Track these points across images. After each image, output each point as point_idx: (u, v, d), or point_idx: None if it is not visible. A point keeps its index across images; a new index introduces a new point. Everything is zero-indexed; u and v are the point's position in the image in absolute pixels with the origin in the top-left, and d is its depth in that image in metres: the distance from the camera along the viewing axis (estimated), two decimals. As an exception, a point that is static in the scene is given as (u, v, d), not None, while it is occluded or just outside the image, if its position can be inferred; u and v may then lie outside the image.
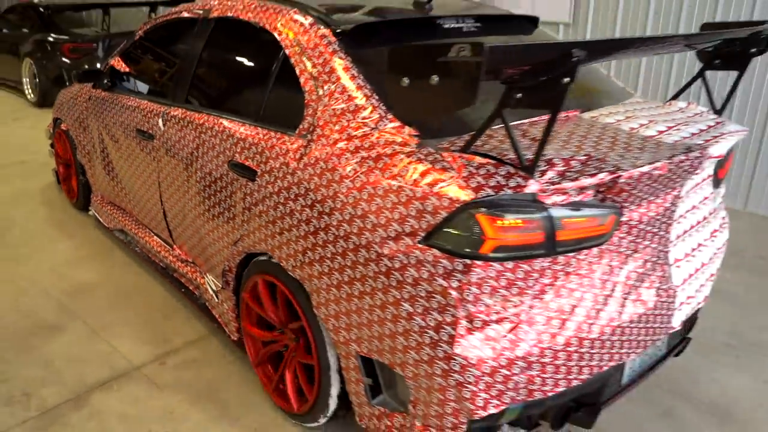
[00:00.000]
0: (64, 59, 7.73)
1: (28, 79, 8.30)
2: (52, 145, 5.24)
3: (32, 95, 8.30)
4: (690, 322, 2.85)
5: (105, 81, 4.05)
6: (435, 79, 2.19)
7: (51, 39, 7.87)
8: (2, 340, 3.10)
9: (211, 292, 3.13)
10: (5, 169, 5.64)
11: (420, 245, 1.92)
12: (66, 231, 4.41)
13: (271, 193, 2.43)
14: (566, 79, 1.71)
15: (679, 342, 2.79)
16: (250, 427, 2.59)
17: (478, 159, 1.94)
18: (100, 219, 4.45)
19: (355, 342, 2.17)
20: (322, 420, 2.49)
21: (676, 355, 2.83)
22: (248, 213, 2.58)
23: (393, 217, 1.98)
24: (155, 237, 3.75)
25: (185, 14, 3.40)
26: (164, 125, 3.23)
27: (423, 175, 1.96)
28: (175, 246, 3.49)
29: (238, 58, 3.10)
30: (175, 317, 3.34)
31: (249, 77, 2.94)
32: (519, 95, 1.78)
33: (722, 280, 3.75)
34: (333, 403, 2.41)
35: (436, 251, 1.89)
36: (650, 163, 2.03)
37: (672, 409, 2.79)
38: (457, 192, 1.87)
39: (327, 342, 2.32)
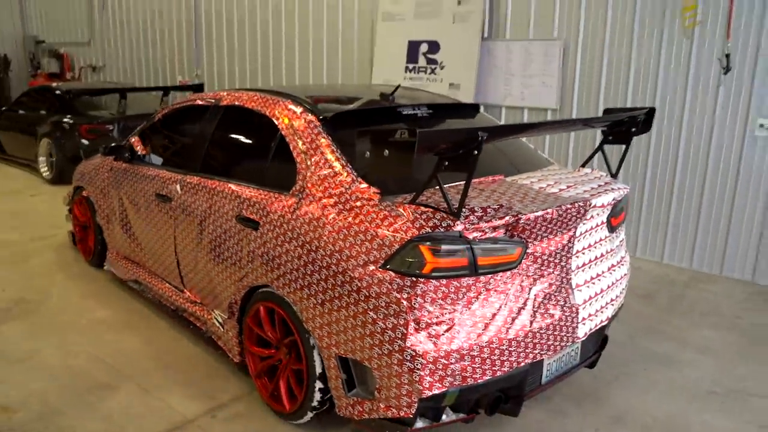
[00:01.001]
0: (81, 140, 8.51)
1: (44, 158, 9.06)
2: (70, 210, 5.98)
3: (48, 173, 9.03)
4: (601, 341, 3.63)
5: (126, 155, 4.84)
6: (386, 152, 3.01)
7: (70, 121, 8.67)
8: (62, 397, 3.57)
9: (217, 324, 3.86)
10: (33, 243, 6.29)
11: (381, 269, 2.71)
12: (100, 300, 4.93)
13: (271, 238, 3.21)
14: (475, 152, 2.54)
15: (593, 355, 3.56)
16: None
17: (421, 208, 2.76)
18: (116, 272, 5.16)
19: (335, 346, 2.91)
20: (309, 416, 3.19)
21: (590, 367, 3.61)
22: (252, 255, 3.35)
23: (362, 250, 2.78)
24: (167, 284, 4.48)
25: (199, 102, 4.26)
26: (181, 189, 4.03)
27: (383, 220, 2.77)
28: (185, 290, 4.22)
29: (244, 136, 3.94)
30: (216, 376, 3.84)
31: (252, 151, 3.78)
32: (446, 163, 2.61)
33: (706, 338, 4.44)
34: (318, 399, 3.11)
35: (392, 273, 2.67)
36: (543, 210, 2.86)
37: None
38: (405, 231, 2.68)
39: (314, 350, 3.06)
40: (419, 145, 2.39)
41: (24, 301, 4.90)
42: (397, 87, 3.95)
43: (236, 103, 3.90)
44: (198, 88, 9.31)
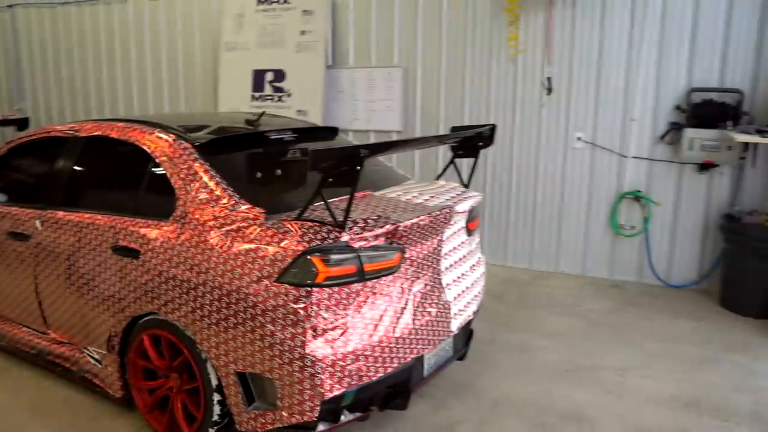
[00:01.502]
0: None
1: None
2: None
3: None
4: (468, 335, 4.00)
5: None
6: (259, 174, 3.09)
7: None
8: None
9: (93, 361, 3.74)
10: None
11: (275, 283, 2.84)
12: None
13: (155, 265, 3.22)
14: (358, 167, 2.78)
15: (462, 348, 3.91)
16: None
17: (308, 223, 2.94)
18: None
19: (233, 362, 2.99)
20: (209, 434, 3.23)
21: (461, 359, 3.96)
22: (134, 284, 3.33)
23: (254, 267, 2.90)
24: (24, 328, 4.23)
25: (54, 134, 4.12)
26: (42, 225, 3.86)
27: (272, 236, 2.92)
28: (50, 331, 4.03)
29: (112, 167, 3.88)
30: (101, 417, 3.68)
31: (123, 181, 3.74)
32: (331, 179, 2.82)
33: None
34: (218, 413, 3.15)
35: (287, 285, 2.82)
36: (417, 217, 3.16)
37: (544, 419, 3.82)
38: (296, 245, 2.84)
39: (209, 368, 3.10)
40: (312, 162, 2.59)
41: None
42: (262, 113, 4.12)
43: (99, 133, 3.84)
44: (23, 122, 8.75)
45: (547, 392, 4.00)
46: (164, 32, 8.17)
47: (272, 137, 3.79)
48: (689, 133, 5.62)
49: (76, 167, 3.91)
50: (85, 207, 3.74)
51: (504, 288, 5.88)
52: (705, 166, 5.72)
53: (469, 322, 3.86)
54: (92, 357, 3.74)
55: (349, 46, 7.05)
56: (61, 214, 3.82)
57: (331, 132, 4.37)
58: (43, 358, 4.11)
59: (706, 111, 5.58)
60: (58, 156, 4.02)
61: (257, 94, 7.31)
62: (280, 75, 7.19)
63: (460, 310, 3.62)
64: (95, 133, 3.87)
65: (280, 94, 7.17)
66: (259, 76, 7.30)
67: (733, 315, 5.34)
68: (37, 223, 3.91)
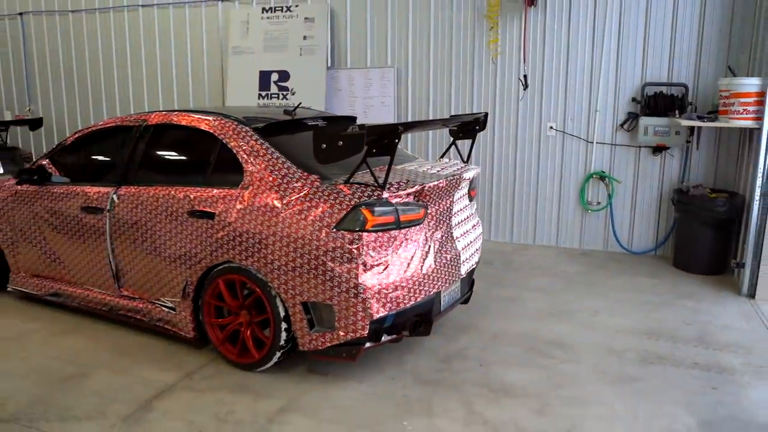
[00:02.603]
0: None
1: None
2: (-49, 244, 6.07)
3: None
4: (471, 282, 4.90)
5: (35, 177, 5.25)
6: (324, 146, 3.93)
7: None
8: (42, 389, 3.99)
9: (166, 309, 4.54)
10: None
11: (334, 230, 3.71)
12: (23, 316, 5.24)
13: (229, 223, 4.05)
14: (396, 140, 3.67)
15: (467, 292, 4.81)
16: (256, 390, 4.05)
17: (354, 185, 3.82)
18: (28, 290, 5.47)
19: (299, 295, 3.84)
20: (276, 356, 4.04)
21: (465, 302, 4.86)
22: (210, 240, 4.15)
23: (316, 219, 3.76)
24: (95, 290, 4.99)
25: (120, 124, 4.90)
26: (118, 199, 4.65)
27: (329, 195, 3.79)
28: (122, 289, 4.81)
29: (182, 148, 4.69)
30: (175, 353, 4.42)
31: (193, 159, 4.56)
32: (374, 150, 3.70)
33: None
34: (284, 339, 3.99)
35: (343, 231, 3.69)
36: (437, 181, 4.07)
37: (534, 345, 4.75)
38: (349, 200, 3.72)
39: (278, 302, 3.94)
40: (368, 136, 3.47)
41: (-62, 326, 5.08)
42: (298, 105, 4.98)
43: (167, 120, 4.65)
44: (36, 122, 9.43)
45: (535, 328, 4.94)
46: (173, 38, 8.92)
47: (309, 123, 4.65)
48: (644, 121, 6.64)
49: (147, 149, 4.71)
50: (158, 182, 4.53)
51: (492, 257, 6.82)
52: (658, 149, 6.75)
53: (472, 271, 4.77)
54: (165, 306, 4.54)
55: (346, 50, 7.92)
56: (134, 189, 4.61)
57: (351, 120, 5.24)
58: (116, 313, 4.88)
59: (658, 102, 6.61)
60: (129, 141, 4.81)
61: (263, 93, 8.13)
62: (284, 75, 8.02)
63: (466, 259, 4.53)
64: (163, 121, 4.67)
65: (284, 92, 8.00)
66: (264, 77, 8.13)
67: (684, 273, 6.37)
68: (114, 197, 4.69)
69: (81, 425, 3.62)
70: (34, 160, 5.45)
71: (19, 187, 5.37)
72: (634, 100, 6.78)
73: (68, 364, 4.38)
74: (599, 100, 6.90)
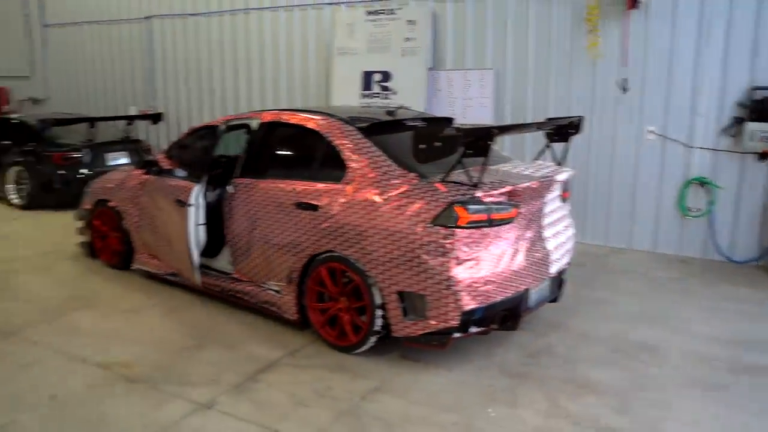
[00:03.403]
0: (55, 166, 9.17)
1: (12, 186, 9.57)
2: (87, 224, 6.78)
3: (18, 200, 9.54)
4: (560, 282, 5.02)
5: (154, 169, 5.80)
6: (423, 146, 4.20)
7: (43, 149, 9.28)
8: (164, 356, 4.48)
9: (272, 293, 4.94)
10: (46, 257, 6.98)
11: (430, 225, 3.97)
12: (145, 292, 5.81)
13: (333, 215, 4.39)
14: (490, 142, 3.88)
15: (556, 292, 4.95)
16: (352, 371, 4.41)
17: (451, 183, 4.06)
18: (150, 269, 6.06)
19: (395, 285, 4.12)
20: (372, 341, 4.35)
21: (553, 301, 4.99)
22: (314, 230, 4.50)
23: (413, 214, 4.03)
24: (210, 271, 5.48)
25: (236, 120, 5.37)
26: (234, 189, 5.10)
27: (426, 192, 4.05)
28: (234, 272, 5.26)
29: (290, 144, 5.10)
30: (279, 332, 4.84)
31: (300, 155, 4.96)
32: (470, 151, 3.92)
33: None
34: (379, 325, 4.29)
35: (439, 227, 3.95)
36: (529, 182, 4.25)
37: (621, 347, 4.88)
38: (445, 198, 3.97)
39: (374, 290, 4.24)
40: (464, 138, 3.71)
41: (78, 297, 5.72)
42: (399, 107, 5.27)
43: (278, 119, 5.06)
44: (157, 117, 10.22)
45: (623, 331, 5.01)
46: (283, 39, 9.46)
47: (409, 123, 4.93)
48: (750, 126, 6.49)
49: (259, 145, 5.14)
50: (268, 175, 4.94)
51: (584, 259, 6.87)
52: (764, 155, 6.57)
53: (562, 272, 4.91)
54: (271, 289, 4.95)
55: (447, 51, 8.15)
56: (248, 180, 5.04)
57: (448, 121, 5.48)
58: (226, 293, 5.35)
59: (766, 106, 6.44)
60: (243, 137, 5.26)
61: (366, 93, 8.50)
62: (386, 76, 8.35)
63: (557, 259, 4.67)
64: (274, 119, 5.09)
65: (386, 92, 8.33)
66: (367, 77, 8.49)
67: (786, 284, 6.19)
68: (230, 188, 5.14)
69: (196, 390, 4.06)
70: (157, 151, 6.00)
71: (145, 176, 5.95)
72: (739, 104, 6.62)
73: (185, 337, 4.88)
74: (702, 104, 6.79)
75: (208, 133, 5.60)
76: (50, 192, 9.28)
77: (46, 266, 6.69)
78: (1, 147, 9.79)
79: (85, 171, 9.12)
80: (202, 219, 5.29)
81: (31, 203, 9.38)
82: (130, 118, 10.07)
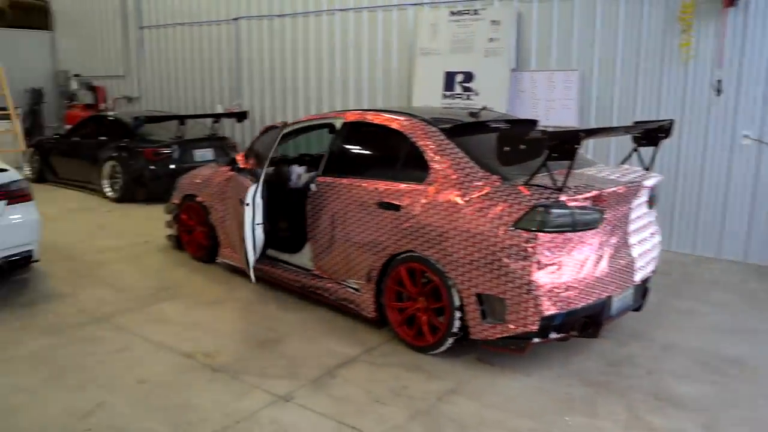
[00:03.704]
0: (146, 161, 9.64)
1: (107, 180, 10.09)
2: (174, 217, 7.06)
3: (111, 193, 10.06)
4: (644, 291, 4.86)
5: (235, 167, 5.95)
6: (507, 148, 4.16)
7: (135, 145, 9.76)
8: (244, 347, 4.63)
9: (351, 290, 5.01)
10: (136, 247, 7.35)
11: (512, 228, 3.93)
12: (228, 285, 5.98)
13: (414, 216, 4.41)
14: (577, 146, 3.80)
15: (640, 300, 4.80)
16: (428, 371, 4.44)
17: (535, 186, 4.01)
18: (233, 263, 6.25)
19: (474, 287, 4.10)
20: (449, 342, 4.35)
21: (637, 309, 4.84)
22: (395, 230, 4.54)
23: (495, 217, 4.00)
24: (291, 267, 5.60)
25: (321, 120, 5.46)
26: (316, 188, 5.20)
27: (509, 195, 4.01)
28: (314, 269, 5.36)
29: (373, 144, 5.16)
30: (356, 330, 4.90)
31: (383, 154, 5.00)
32: (555, 154, 3.86)
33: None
34: (457, 327, 4.28)
35: (521, 230, 3.90)
36: (616, 187, 4.14)
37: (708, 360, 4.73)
38: (528, 201, 3.92)
39: (453, 292, 4.24)
40: (549, 141, 3.65)
41: (165, 288, 5.98)
42: (483, 108, 5.24)
43: (361, 119, 5.12)
44: (242, 115, 10.54)
45: (711, 343, 4.80)
46: (366, 40, 9.56)
47: (492, 126, 4.89)
48: None
49: (343, 144, 5.22)
50: (351, 174, 5.01)
51: (669, 267, 6.62)
52: None
53: (646, 280, 4.76)
54: (350, 287, 5.01)
55: (531, 51, 8.03)
56: (329, 179, 5.13)
57: (532, 123, 5.41)
58: (306, 289, 5.46)
59: None
60: (327, 136, 5.35)
61: (447, 93, 8.48)
62: (468, 76, 8.31)
63: (641, 267, 4.53)
64: (358, 119, 5.15)
65: (468, 93, 8.29)
66: (450, 78, 8.47)
67: None
68: (313, 186, 5.24)
69: (275, 382, 4.16)
70: (241, 149, 6.16)
71: (230, 173, 6.14)
72: None
73: (265, 330, 5.01)
74: (804, 109, 6.43)
75: (273, 132, 5.72)
76: (141, 186, 9.73)
77: (136, 256, 7.02)
78: (97, 143, 10.35)
79: (173, 166, 9.51)
80: (259, 219, 5.27)
81: (124, 196, 9.85)
82: (217, 116, 10.45)
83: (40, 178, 11.36)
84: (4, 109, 13.57)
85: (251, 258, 5.30)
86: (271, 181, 5.73)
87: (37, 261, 6.00)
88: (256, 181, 5.21)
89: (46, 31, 15.25)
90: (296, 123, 5.76)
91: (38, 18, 15.14)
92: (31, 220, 5.73)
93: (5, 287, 5.91)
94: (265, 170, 5.25)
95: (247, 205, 5.17)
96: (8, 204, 5.53)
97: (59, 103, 15.13)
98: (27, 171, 11.53)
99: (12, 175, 5.65)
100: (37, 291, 5.88)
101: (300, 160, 5.79)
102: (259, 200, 5.22)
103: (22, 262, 5.79)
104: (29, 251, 5.77)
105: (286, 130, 5.76)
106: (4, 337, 4.84)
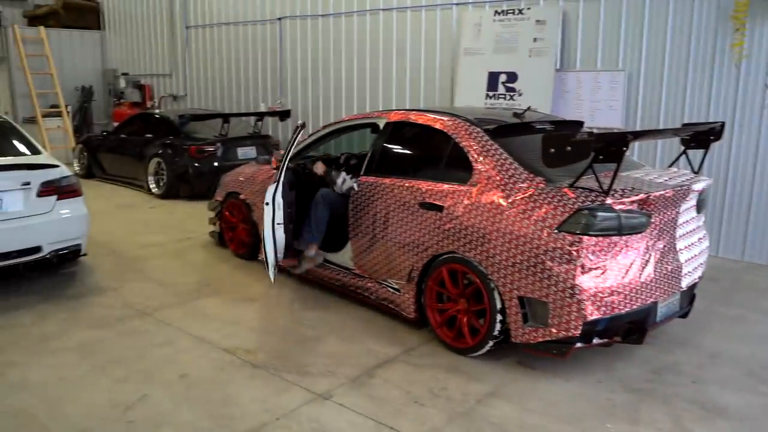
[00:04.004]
0: (190, 159, 9.80)
1: (152, 176, 10.30)
2: (217, 214, 7.16)
3: (156, 189, 10.26)
4: (691, 297, 4.75)
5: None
6: (552, 150, 4.10)
7: (181, 142, 9.93)
8: (285, 345, 4.68)
9: (391, 290, 5.00)
10: (180, 243, 7.50)
11: (556, 231, 3.88)
12: (268, 282, 5.70)
13: (456, 216, 4.38)
14: (624, 148, 3.72)
15: (686, 307, 4.68)
16: (468, 373, 4.42)
17: (580, 189, 3.94)
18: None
19: (516, 290, 4.06)
20: (489, 345, 4.30)
21: (683, 316, 4.72)
22: (437, 230, 4.51)
23: (539, 219, 3.95)
24: (332, 266, 5.62)
25: (363, 120, 5.47)
26: (357, 187, 5.21)
27: (553, 197, 3.95)
28: (355, 268, 5.37)
29: (416, 144, 5.14)
30: (396, 330, 4.89)
31: (426, 154, 4.98)
32: (601, 156, 3.79)
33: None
34: (498, 330, 4.24)
35: (565, 233, 3.84)
36: (663, 190, 4.04)
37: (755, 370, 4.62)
38: (572, 204, 3.85)
39: (495, 294, 4.20)
40: (595, 143, 3.58)
41: (207, 284, 6.06)
42: (528, 108, 5.18)
43: (405, 119, 5.11)
44: (285, 113, 10.62)
45: (760, 353, 4.66)
46: (409, 39, 9.54)
47: (537, 127, 4.83)
48: None
49: (386, 144, 5.22)
50: (394, 174, 5.00)
51: (718, 273, 6.45)
52: None
53: (693, 285, 4.64)
54: (391, 287, 5.01)
55: (576, 51, 7.91)
56: (372, 179, 5.13)
57: (578, 125, 5.32)
58: (346, 289, 5.47)
59: None
60: (370, 135, 5.35)
61: (490, 93, 8.41)
62: (512, 77, 8.23)
63: (689, 272, 4.42)
64: (401, 119, 5.14)
65: (511, 93, 8.21)
66: (493, 78, 8.40)
67: None
68: (355, 185, 5.25)
69: (314, 380, 4.18)
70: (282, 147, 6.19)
71: (273, 171, 6.18)
72: None
73: (305, 328, 5.04)
74: None
75: (344, 129, 5.74)
76: (185, 183, 9.89)
77: (179, 252, 7.14)
78: (143, 140, 10.57)
79: (217, 164, 9.64)
80: (279, 219, 5.24)
81: (168, 192, 10.02)
82: (260, 115, 10.56)
83: (88, 173, 11.66)
84: (56, 106, 13.98)
85: (271, 257, 5.27)
86: (312, 182, 5.74)
87: (84, 255, 6.16)
88: (278, 180, 5.18)
89: (97, 30, 15.62)
90: (339, 122, 5.78)
91: (90, 18, 15.52)
92: (79, 215, 5.88)
93: (54, 280, 6.07)
94: (284, 170, 5.20)
95: (267, 204, 5.18)
96: (59, 199, 5.68)
97: (107, 100, 15.49)
98: (76, 167, 11.85)
99: (63, 171, 5.81)
100: (84, 284, 6.03)
101: (337, 160, 5.81)
102: (279, 200, 5.20)
103: (71, 255, 5.95)
104: (78, 245, 5.92)
105: (328, 129, 5.80)
106: (52, 328, 4.97)
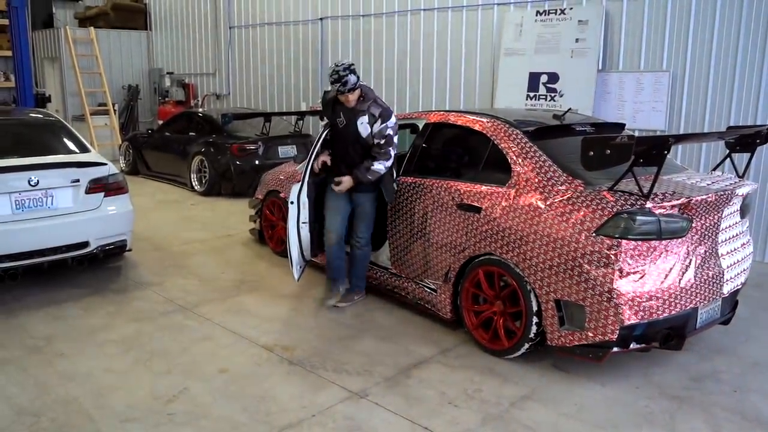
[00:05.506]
0: (232, 157, 9.97)
1: (195, 174, 10.51)
2: (257, 212, 7.27)
3: (198, 186, 10.47)
4: (734, 303, 4.66)
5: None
6: (592, 153, 4.07)
7: (223, 141, 10.11)
8: (322, 343, 4.71)
9: (428, 290, 5.02)
10: (220, 240, 7.66)
11: (594, 234, 3.85)
12: (307, 280, 6.00)
13: (494, 218, 4.39)
14: (665, 152, 3.68)
15: (728, 313, 4.60)
16: (503, 375, 4.43)
17: (620, 192, 3.91)
18: (312, 259, 6.38)
19: (553, 292, 4.04)
20: (525, 347, 4.30)
21: (725, 323, 4.64)
22: (475, 232, 4.53)
23: (576, 222, 3.93)
24: (369, 265, 5.67)
25: (403, 120, 5.50)
26: (397, 187, 5.24)
27: (592, 201, 3.93)
28: (392, 267, 5.41)
29: (455, 145, 5.16)
30: (432, 330, 4.93)
31: (465, 155, 5.00)
32: (642, 160, 3.75)
33: None
34: (534, 332, 4.23)
35: (603, 237, 3.82)
36: (705, 194, 3.98)
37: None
38: (612, 207, 3.83)
39: (531, 297, 4.19)
40: (636, 146, 3.55)
41: (246, 281, 6.17)
42: (568, 110, 5.15)
43: (444, 120, 5.13)
44: (325, 114, 10.67)
45: (806, 363, 4.55)
46: (450, 40, 9.54)
47: (577, 129, 4.80)
48: None
49: (425, 144, 5.24)
50: (432, 174, 5.03)
51: (762, 279, 6.30)
52: None
53: (736, 292, 4.55)
54: (428, 287, 5.03)
55: (619, 52, 7.81)
56: (411, 179, 5.16)
57: (619, 127, 5.26)
58: (383, 287, 5.52)
59: None
60: (410, 136, 5.39)
61: (531, 94, 8.36)
62: (553, 77, 8.17)
63: (731, 278, 4.35)
64: (441, 120, 5.16)
65: (552, 94, 8.15)
66: (534, 78, 8.35)
67: None
68: (394, 185, 5.29)
69: (351, 378, 4.23)
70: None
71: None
72: None
73: (342, 326, 5.10)
74: None
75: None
76: (227, 180, 10.06)
77: (220, 248, 7.28)
78: (186, 138, 10.78)
79: (258, 162, 9.79)
80: (304, 218, 5.27)
81: (210, 190, 10.21)
82: (301, 114, 10.68)
83: (133, 170, 11.94)
84: (103, 105, 14.36)
85: (296, 256, 5.32)
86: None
87: (129, 250, 6.33)
88: (303, 180, 5.23)
89: (144, 31, 15.98)
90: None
91: (138, 19, 15.89)
92: (125, 212, 6.05)
93: (100, 275, 6.26)
94: (309, 170, 5.24)
95: (292, 203, 5.23)
96: (106, 196, 5.85)
97: (153, 99, 15.83)
98: (121, 164, 12.15)
99: (109, 168, 5.98)
100: (129, 279, 6.20)
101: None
102: (304, 199, 5.23)
103: (117, 251, 6.13)
104: (123, 241, 6.09)
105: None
106: (97, 322, 5.13)
